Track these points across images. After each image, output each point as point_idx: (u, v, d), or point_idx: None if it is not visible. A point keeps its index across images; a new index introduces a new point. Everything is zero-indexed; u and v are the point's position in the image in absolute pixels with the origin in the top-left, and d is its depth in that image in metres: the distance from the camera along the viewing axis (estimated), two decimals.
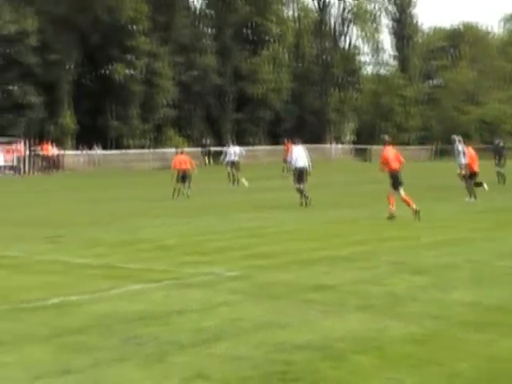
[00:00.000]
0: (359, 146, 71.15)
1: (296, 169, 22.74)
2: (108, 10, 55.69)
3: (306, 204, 22.11)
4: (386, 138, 20.17)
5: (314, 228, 17.12)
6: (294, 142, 24.07)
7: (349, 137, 77.53)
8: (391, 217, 18.11)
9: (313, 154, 65.96)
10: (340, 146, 71.38)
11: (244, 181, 32.68)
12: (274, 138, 65.99)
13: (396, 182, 18.58)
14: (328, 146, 69.73)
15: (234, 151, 34.78)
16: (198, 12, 71.13)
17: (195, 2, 71.28)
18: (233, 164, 33.81)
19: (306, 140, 67.66)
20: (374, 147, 67.86)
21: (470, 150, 24.83)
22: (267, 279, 10.69)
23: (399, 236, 15.34)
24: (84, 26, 56.26)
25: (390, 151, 19.16)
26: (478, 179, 24.24)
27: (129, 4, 56.06)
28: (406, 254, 12.86)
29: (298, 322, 8.22)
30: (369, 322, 8.12)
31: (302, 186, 22.48)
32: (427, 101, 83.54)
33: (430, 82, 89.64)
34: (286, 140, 36.87)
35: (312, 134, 71.10)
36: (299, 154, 22.97)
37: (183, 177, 27.27)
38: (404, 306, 8.88)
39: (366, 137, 74.09)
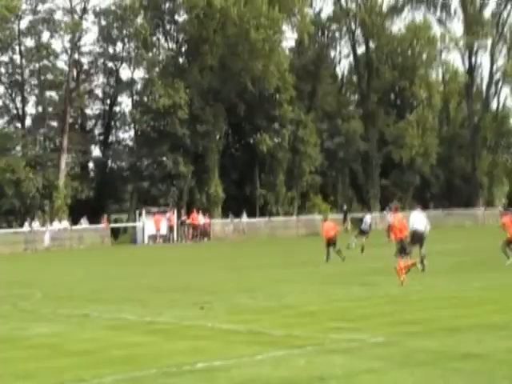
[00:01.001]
0: None
1: (412, 231, 22.39)
2: (254, 81, 57.18)
3: (423, 269, 21.74)
4: (395, 204, 20.36)
5: (462, 294, 16.58)
6: (395, 209, 23.41)
7: (502, 201, 75.06)
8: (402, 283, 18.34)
9: (462, 219, 64.16)
10: (490, 210, 69.15)
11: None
12: (422, 203, 64.96)
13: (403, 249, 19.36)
14: (478, 210, 67.73)
15: (368, 219, 34.79)
16: (342, 79, 71.94)
17: (340, 69, 72.20)
18: (363, 232, 33.77)
19: (454, 204, 66.56)
20: None
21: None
22: (413, 346, 10.44)
23: None
24: (231, 97, 58.02)
25: (399, 218, 20.02)
26: None
27: (274, 74, 57.37)
28: None
29: None
30: None
31: (411, 250, 22.17)
32: None
33: None
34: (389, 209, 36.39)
35: (460, 199, 69.51)
36: (416, 218, 23.06)
37: (329, 243, 27.45)
38: None
39: None
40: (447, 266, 23.84)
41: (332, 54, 69.89)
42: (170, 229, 51.71)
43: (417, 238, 22.45)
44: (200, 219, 52.72)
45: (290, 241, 44.75)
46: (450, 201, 70.14)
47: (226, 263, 30.42)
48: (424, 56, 70.54)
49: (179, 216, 52.93)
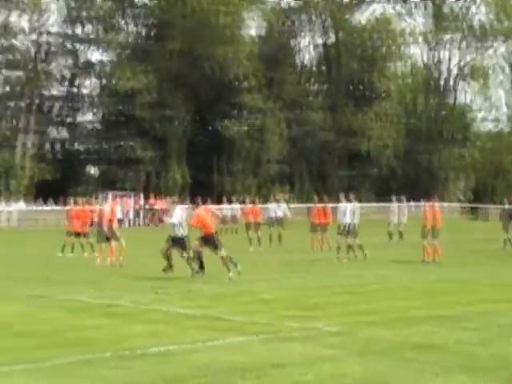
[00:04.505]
0: (471, 205, 69.36)
1: (343, 224, 23.28)
2: (218, 67, 57.07)
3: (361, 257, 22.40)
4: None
5: (417, 286, 16.75)
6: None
7: (462, 195, 75.72)
8: None
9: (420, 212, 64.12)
10: (449, 204, 69.72)
11: None
12: (384, 195, 65.35)
13: None
14: (439, 204, 68.00)
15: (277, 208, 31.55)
16: (306, 68, 71.98)
17: (305, 59, 72.19)
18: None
19: (416, 197, 66.92)
20: (488, 206, 65.99)
21: None
22: (368, 336, 10.53)
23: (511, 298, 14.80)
24: (196, 82, 57.81)
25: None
26: None
27: (238, 61, 57.30)
28: None
29: (398, 380, 8.05)
30: None
31: (349, 241, 23.01)
32: None
33: None
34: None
35: (423, 192, 69.95)
36: (347, 210, 23.42)
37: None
38: None
39: (480, 195, 72.29)
40: (402, 257, 24.04)
41: (296, 43, 69.88)
42: (137, 213, 51.45)
43: (347, 229, 22.99)
44: (161, 204, 52.49)
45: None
46: (412, 193, 70.61)
47: None
48: (387, 48, 70.66)
49: (141, 200, 52.64)
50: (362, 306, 13.58)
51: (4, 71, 57.00)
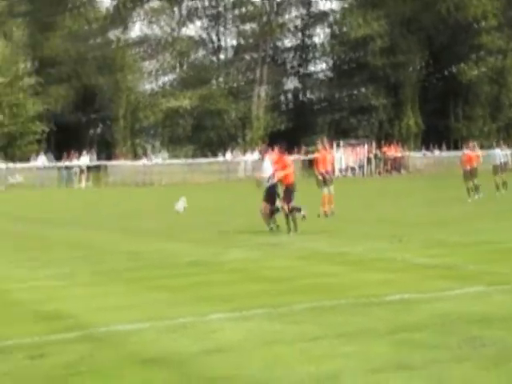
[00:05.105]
0: None
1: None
2: (454, 9, 55.05)
3: None
4: None
5: None
6: None
7: None
8: None
9: None
10: None
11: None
12: None
13: None
14: None
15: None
16: None
17: None
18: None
19: None
20: None
21: None
22: None
23: None
24: (430, 26, 56.22)
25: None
26: None
27: (477, 1, 54.87)
28: None
29: None
30: None
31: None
32: None
33: None
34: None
35: None
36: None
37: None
38: None
39: None
40: None
41: None
42: (368, 161, 51.27)
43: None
44: (395, 152, 51.90)
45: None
46: None
47: (421, 197, 29.79)
48: None
49: (374, 148, 52.34)
50: None
51: (239, 24, 58.75)
